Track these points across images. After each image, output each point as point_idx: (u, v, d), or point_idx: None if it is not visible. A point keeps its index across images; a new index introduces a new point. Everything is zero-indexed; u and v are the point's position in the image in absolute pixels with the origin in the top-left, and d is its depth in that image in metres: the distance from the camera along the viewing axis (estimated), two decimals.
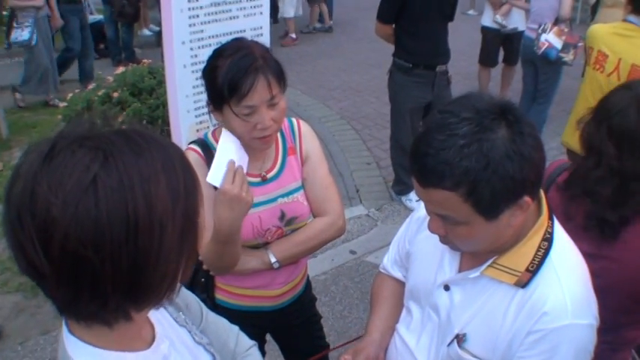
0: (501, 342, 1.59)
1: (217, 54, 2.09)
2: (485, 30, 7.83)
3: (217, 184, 2.01)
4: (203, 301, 2.33)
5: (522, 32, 7.60)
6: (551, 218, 1.64)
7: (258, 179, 2.26)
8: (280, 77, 2.09)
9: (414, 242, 1.90)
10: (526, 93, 6.76)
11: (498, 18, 7.60)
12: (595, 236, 1.98)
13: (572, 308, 1.53)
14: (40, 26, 7.71)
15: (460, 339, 1.65)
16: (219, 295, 2.44)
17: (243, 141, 2.12)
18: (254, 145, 2.14)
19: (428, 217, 1.74)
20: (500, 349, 1.59)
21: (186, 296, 1.55)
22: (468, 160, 1.37)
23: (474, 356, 1.64)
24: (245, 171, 2.07)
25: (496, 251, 1.59)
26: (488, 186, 1.38)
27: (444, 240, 1.60)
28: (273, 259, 2.28)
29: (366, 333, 1.98)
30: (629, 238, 1.96)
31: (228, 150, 2.09)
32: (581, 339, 1.55)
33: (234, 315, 2.41)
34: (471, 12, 13.34)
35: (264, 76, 2.01)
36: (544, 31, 6.21)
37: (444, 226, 1.52)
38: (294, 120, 2.41)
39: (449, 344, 1.68)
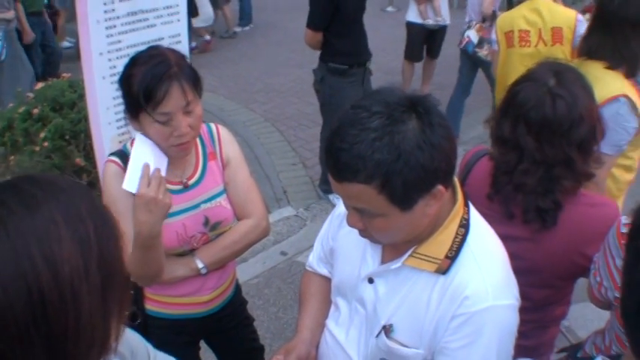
0: (427, 328, 1.62)
1: (132, 62, 2.08)
2: (410, 25, 7.91)
3: (134, 190, 2.00)
4: (133, 313, 2.34)
5: (446, 27, 7.78)
6: (466, 205, 1.68)
7: (179, 187, 2.25)
8: (196, 84, 2.10)
9: (336, 238, 1.92)
10: (459, 85, 6.93)
11: (431, 15, 7.72)
12: (523, 222, 2.04)
13: (492, 290, 1.57)
14: (11, 40, 7.35)
15: (387, 329, 1.68)
16: (150, 306, 2.42)
17: (161, 149, 2.12)
18: (172, 152, 2.13)
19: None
20: (427, 336, 1.63)
21: (130, 341, 1.46)
22: (380, 152, 1.39)
23: (402, 345, 1.67)
24: (164, 172, 2.07)
25: (415, 241, 1.62)
26: (401, 177, 1.40)
27: (363, 233, 1.61)
28: (200, 265, 2.28)
29: (296, 332, 1.99)
30: (557, 222, 2.02)
31: (143, 154, 2.08)
32: (504, 319, 1.60)
33: (166, 324, 2.42)
34: (389, 9, 13.48)
35: (178, 82, 2.02)
36: (470, 27, 6.42)
37: (361, 220, 1.53)
38: (212, 125, 2.41)
39: (377, 335, 1.70)
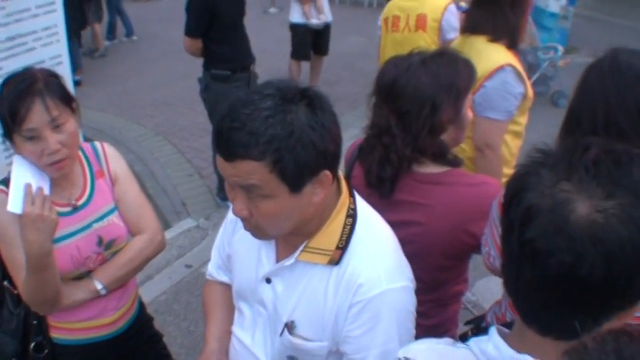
0: (328, 320, 1.65)
1: (3, 85, 2.05)
2: (295, 26, 7.96)
3: (18, 211, 1.95)
4: (39, 344, 2.29)
5: (330, 24, 7.89)
6: (352, 195, 1.71)
7: (68, 209, 2.21)
8: (64, 99, 2.08)
9: (231, 244, 1.92)
10: None
11: (316, 13, 7.79)
12: (400, 204, 2.10)
13: (384, 275, 1.61)
14: None
15: (290, 326, 1.70)
16: (55, 334, 2.36)
17: (40, 168, 2.08)
18: (48, 172, 2.09)
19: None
20: (329, 328, 1.66)
21: None
22: (274, 128, 1.40)
23: (306, 339, 1.69)
24: (47, 191, 2.03)
25: (306, 235, 1.64)
26: (293, 154, 1.42)
27: (248, 225, 1.60)
28: (99, 286, 2.24)
29: (204, 343, 1.98)
30: (434, 202, 2.07)
31: (24, 175, 2.04)
32: (399, 301, 1.64)
33: (74, 351, 2.38)
34: (272, 10, 13.54)
35: (41, 98, 1.99)
36: None
37: (247, 207, 1.52)
38: (97, 143, 2.38)
39: (281, 334, 1.72)
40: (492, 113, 3.00)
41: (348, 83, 9.03)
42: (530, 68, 9.08)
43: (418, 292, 1.74)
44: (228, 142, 1.43)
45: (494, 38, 3.10)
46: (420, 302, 1.77)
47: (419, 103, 2.00)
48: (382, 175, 2.08)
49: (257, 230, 1.61)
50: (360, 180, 2.14)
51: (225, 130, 1.44)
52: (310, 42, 8.13)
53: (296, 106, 1.45)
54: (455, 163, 2.12)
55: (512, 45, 3.12)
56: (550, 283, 1.01)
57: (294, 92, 1.48)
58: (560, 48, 9.09)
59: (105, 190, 2.31)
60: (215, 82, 5.28)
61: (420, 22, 4.42)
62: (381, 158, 2.07)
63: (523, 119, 3.25)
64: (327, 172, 1.51)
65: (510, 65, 3.02)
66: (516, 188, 1.07)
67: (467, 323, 2.28)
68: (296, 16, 7.95)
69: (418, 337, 1.66)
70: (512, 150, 3.29)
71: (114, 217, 2.30)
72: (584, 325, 1.04)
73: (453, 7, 4.52)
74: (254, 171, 1.43)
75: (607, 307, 1.02)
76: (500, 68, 3.01)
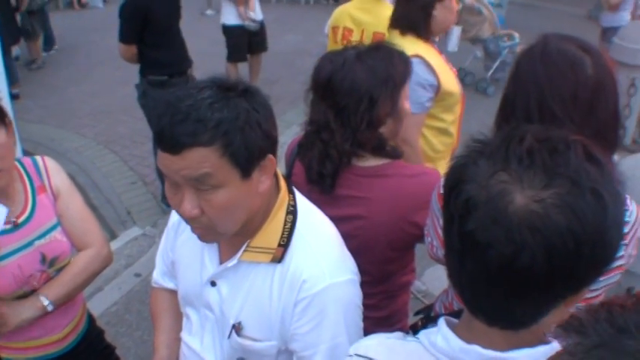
0: (275, 319, 1.65)
1: None
2: (230, 28, 7.90)
3: None
4: None
5: (263, 22, 7.87)
6: (291, 192, 1.72)
7: (8, 226, 2.15)
8: None
9: (175, 249, 1.91)
10: None
11: (251, 14, 7.76)
12: (342, 199, 2.10)
13: (328, 270, 1.62)
14: None
15: (237, 328, 1.70)
16: (5, 354, 2.32)
17: None
18: None
19: (182, 221, 1.76)
20: (276, 326, 1.66)
21: None
22: (220, 112, 1.41)
23: (255, 340, 1.69)
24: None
25: (247, 234, 1.64)
26: (242, 135, 1.42)
27: (198, 225, 1.56)
28: (46, 302, 2.20)
29: (154, 351, 1.97)
30: (375, 195, 2.09)
31: None
32: (345, 295, 1.65)
33: None
34: (209, 12, 13.43)
35: None
36: None
37: (198, 205, 1.48)
38: (37, 158, 2.33)
39: (229, 336, 1.72)
40: None
41: (288, 81, 9.02)
42: (492, 57, 9.24)
43: (366, 285, 1.75)
44: (173, 135, 1.40)
45: (402, 32, 3.20)
46: (368, 295, 1.78)
47: (356, 97, 2.01)
48: (322, 171, 2.08)
49: (208, 230, 1.57)
50: (301, 177, 2.15)
51: (167, 125, 1.41)
52: (247, 43, 8.10)
53: (234, 93, 1.46)
54: (394, 155, 2.14)
55: (420, 38, 3.18)
56: (492, 275, 1.01)
57: (229, 83, 1.50)
58: (517, 35, 9.25)
59: (47, 205, 2.26)
60: (152, 88, 5.21)
61: (376, 39, 4.02)
62: (321, 154, 2.07)
63: (448, 116, 3.27)
64: (272, 157, 1.53)
65: (417, 56, 3.04)
66: (454, 180, 1.07)
67: (417, 313, 2.31)
68: (231, 18, 7.88)
69: (369, 329, 1.69)
70: (435, 147, 3.33)
71: (57, 234, 2.26)
72: (529, 314, 1.05)
73: None
74: (205, 158, 1.41)
75: (551, 295, 1.03)
76: None
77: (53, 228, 2.26)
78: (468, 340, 1.12)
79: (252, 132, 1.44)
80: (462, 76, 8.88)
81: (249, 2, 7.72)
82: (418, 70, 2.99)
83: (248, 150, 1.45)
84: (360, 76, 2.02)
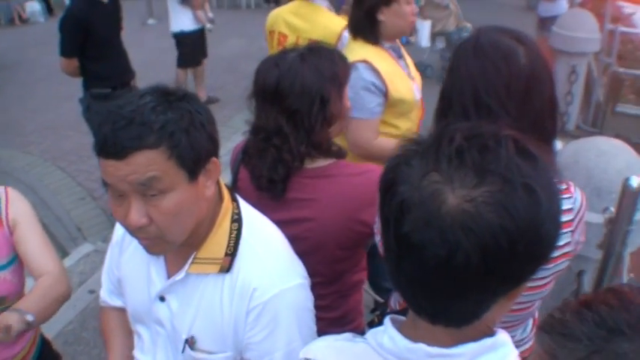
0: (227, 330, 1.64)
1: None
2: (186, 34, 7.82)
3: None
4: None
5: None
6: (235, 200, 1.71)
7: None
8: None
9: (120, 266, 1.88)
10: None
11: (210, 15, 7.74)
12: (290, 202, 2.09)
13: (277, 276, 1.62)
14: None
15: (191, 342, 1.68)
16: None
17: None
18: None
19: (126, 237, 1.73)
20: (230, 337, 1.65)
21: None
22: (164, 114, 1.40)
23: (209, 353, 1.68)
24: None
25: (193, 245, 1.62)
26: (188, 136, 1.43)
27: (146, 236, 1.51)
28: (27, 316, 2.02)
29: None
30: (321, 196, 2.08)
31: None
32: (296, 300, 1.64)
33: None
34: (150, 21, 13.30)
35: None
36: None
37: (146, 213, 1.45)
38: (0, 189, 2.25)
39: (182, 351, 1.70)
40: (354, 112, 2.85)
41: (233, 86, 8.98)
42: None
43: (318, 286, 1.75)
44: (116, 141, 1.37)
45: (353, 36, 3.20)
46: (321, 296, 1.79)
47: (308, 99, 2.00)
48: (273, 176, 2.06)
49: (155, 241, 1.53)
50: (247, 182, 2.14)
51: (110, 132, 1.38)
52: (204, 46, 8.07)
53: (175, 97, 1.46)
54: (339, 154, 2.15)
55: (369, 41, 3.14)
56: (429, 276, 1.01)
57: (169, 89, 1.49)
58: (469, 25, 9.40)
59: (1, 242, 2.18)
60: (96, 101, 5.14)
61: None
62: (274, 160, 2.05)
63: (403, 123, 3.22)
64: (216, 160, 1.53)
65: (364, 61, 3.01)
66: (388, 181, 1.07)
67: (372, 311, 2.32)
68: (188, 23, 7.82)
69: (324, 330, 1.68)
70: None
71: (7, 274, 2.17)
72: (470, 311, 1.06)
73: (347, 32, 4.02)
74: (152, 161, 1.39)
75: (489, 292, 1.03)
76: (352, 66, 2.94)
77: (4, 267, 2.17)
78: (414, 339, 1.12)
79: (197, 132, 1.44)
80: (422, 69, 8.97)
81: (205, 4, 7.69)
82: (365, 75, 2.99)
83: (194, 151, 1.44)
84: (309, 78, 2.01)
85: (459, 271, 0.97)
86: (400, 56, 3.24)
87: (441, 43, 9.73)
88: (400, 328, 1.17)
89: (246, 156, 2.16)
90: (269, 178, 2.07)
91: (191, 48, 8.01)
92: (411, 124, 3.24)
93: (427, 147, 1.04)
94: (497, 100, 1.70)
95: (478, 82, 1.72)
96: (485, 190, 0.96)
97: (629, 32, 10.00)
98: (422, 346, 1.11)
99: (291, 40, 4.02)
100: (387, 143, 3.05)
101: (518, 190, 0.96)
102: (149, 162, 1.39)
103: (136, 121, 1.38)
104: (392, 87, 3.05)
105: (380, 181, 1.11)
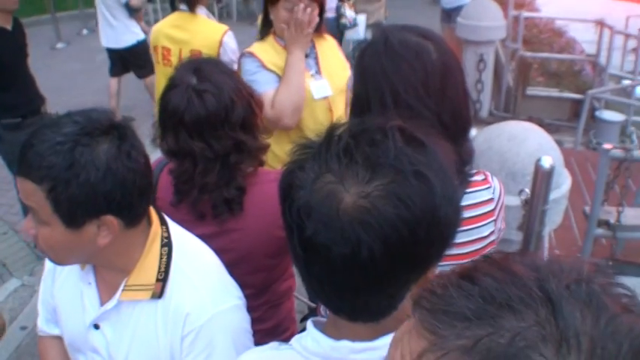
0: (164, 357, 1.62)
1: None
2: (141, 44, 7.66)
3: None
4: None
5: None
6: (164, 223, 1.69)
7: None
8: None
9: (54, 295, 1.85)
10: None
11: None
12: (214, 217, 2.07)
13: (210, 299, 1.60)
14: None
15: None
16: None
17: None
18: None
19: (57, 266, 1.71)
20: None
21: None
22: (57, 156, 1.38)
23: None
24: None
25: (123, 271, 1.61)
26: (67, 188, 1.39)
27: (39, 246, 1.54)
28: None
29: None
30: (246, 205, 2.08)
31: None
32: (231, 322, 1.63)
33: None
34: (59, 45, 12.94)
35: None
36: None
37: (34, 226, 1.49)
38: None
39: None
40: (259, 89, 2.89)
41: (146, 104, 8.83)
42: None
43: (249, 298, 1.74)
44: (21, 158, 1.42)
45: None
46: (252, 308, 1.78)
47: (221, 113, 1.99)
48: (226, 196, 2.04)
49: (47, 255, 1.58)
50: (168, 201, 2.10)
51: (25, 145, 1.42)
52: None
53: (94, 140, 1.42)
54: (260, 161, 2.15)
55: (263, 36, 3.23)
56: (338, 275, 1.03)
57: (101, 126, 1.45)
58: None
59: None
60: (7, 132, 4.96)
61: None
62: (221, 180, 2.03)
63: (302, 121, 3.22)
64: (111, 218, 1.47)
65: (248, 52, 3.13)
66: (285, 188, 1.09)
67: (303, 319, 2.33)
68: (139, 33, 7.69)
69: (259, 342, 1.65)
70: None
71: None
72: (384, 304, 1.08)
73: (228, 38, 4.16)
74: (33, 193, 1.41)
75: (400, 282, 1.05)
76: (242, 55, 3.16)
77: None
78: (337, 337, 1.14)
79: (78, 189, 1.40)
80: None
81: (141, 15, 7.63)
82: (251, 60, 3.10)
83: (70, 204, 1.41)
84: (226, 91, 2.01)
85: (366, 266, 0.99)
86: (307, 55, 3.21)
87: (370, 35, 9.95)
88: (323, 329, 1.18)
89: (179, 189, 2.09)
90: (225, 199, 2.04)
91: (148, 54, 7.92)
92: (316, 124, 3.19)
93: (318, 149, 1.06)
94: (417, 98, 1.72)
95: (395, 81, 1.73)
96: (378, 184, 0.99)
97: (533, 17, 10.34)
98: (345, 343, 1.12)
99: (174, 52, 4.06)
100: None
101: (410, 179, 0.99)
102: (31, 192, 1.42)
103: (35, 149, 1.40)
104: (280, 75, 3.08)
105: (278, 189, 1.13)
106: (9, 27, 4.94)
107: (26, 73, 5.13)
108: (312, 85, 3.15)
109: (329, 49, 3.33)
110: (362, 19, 8.21)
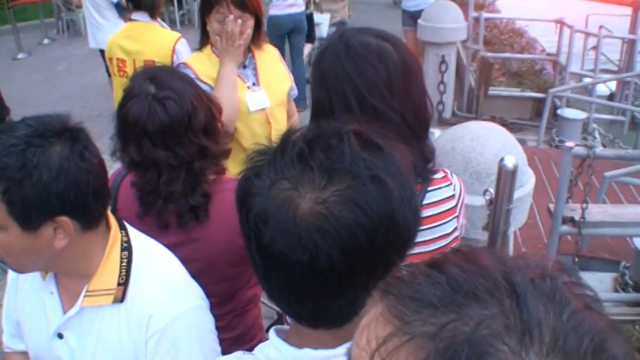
0: None
1: None
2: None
3: None
4: None
5: None
6: (123, 228, 1.68)
7: None
8: None
9: (17, 308, 1.82)
10: None
11: None
12: (179, 226, 2.05)
13: (172, 300, 1.60)
14: None
15: None
16: None
17: None
18: None
19: (20, 277, 1.69)
20: None
21: None
22: (10, 157, 1.38)
23: None
24: None
25: (83, 277, 1.59)
26: (21, 188, 1.38)
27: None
28: None
29: None
30: (211, 214, 2.06)
31: None
32: (195, 322, 1.63)
33: None
34: (21, 55, 12.73)
35: None
36: None
37: None
38: None
39: None
40: None
41: (110, 114, 8.71)
42: None
43: (214, 307, 1.73)
44: None
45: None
46: (218, 316, 1.76)
47: (184, 120, 1.97)
48: (192, 203, 2.02)
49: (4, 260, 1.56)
50: (130, 211, 2.06)
51: None
52: None
53: (47, 141, 1.42)
54: (221, 170, 2.13)
55: (200, 47, 3.21)
56: (297, 283, 1.02)
57: (54, 129, 1.44)
58: None
59: None
60: None
61: None
62: (187, 187, 2.01)
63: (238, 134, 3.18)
64: (66, 219, 1.46)
65: (183, 64, 3.13)
66: (242, 196, 1.07)
67: (269, 328, 2.31)
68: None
69: (226, 351, 1.65)
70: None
71: None
72: (345, 310, 1.06)
73: (181, 46, 4.18)
74: None
75: (360, 288, 1.03)
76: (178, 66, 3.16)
77: None
78: (299, 346, 1.12)
79: (31, 189, 1.40)
80: None
81: None
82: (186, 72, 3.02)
83: (24, 205, 1.41)
84: (186, 97, 1.99)
85: (324, 273, 0.98)
86: (245, 66, 3.19)
87: None
88: (285, 337, 1.17)
89: (143, 194, 2.06)
90: (189, 207, 2.02)
91: None
92: (253, 137, 3.14)
93: (273, 155, 1.05)
94: (381, 99, 1.72)
95: (359, 84, 1.73)
96: (334, 190, 0.97)
97: (493, 17, 10.45)
98: (308, 351, 1.11)
99: (128, 63, 4.05)
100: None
101: (367, 184, 0.98)
102: None
103: None
104: (213, 86, 3.03)
105: (235, 197, 1.11)
106: None
107: None
108: (248, 97, 3.10)
109: (269, 60, 3.28)
110: (325, 18, 8.24)
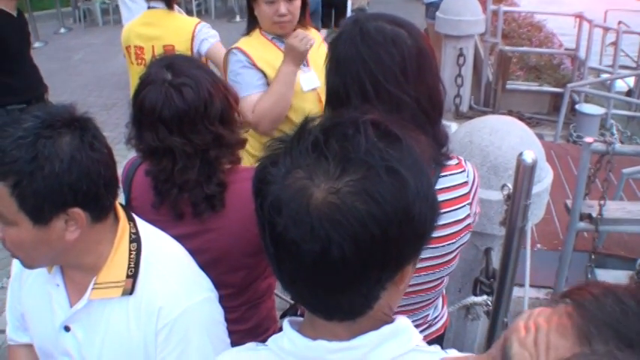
0: (137, 354, 1.60)
1: None
2: None
3: None
4: None
5: None
6: (131, 219, 1.66)
7: None
8: None
9: (21, 301, 1.81)
10: None
11: None
12: (194, 216, 2.02)
13: (182, 292, 1.59)
14: None
15: None
16: None
17: None
18: None
19: (25, 270, 1.66)
20: None
21: None
22: (19, 150, 1.36)
23: None
24: None
25: (91, 270, 1.58)
26: (32, 181, 1.36)
27: (6, 248, 1.51)
28: None
29: None
30: (227, 203, 2.04)
31: None
32: (205, 314, 1.62)
33: None
34: (37, 44, 12.75)
35: None
36: None
37: (1, 229, 1.46)
38: None
39: None
40: (242, 92, 2.93)
41: (125, 104, 8.73)
42: None
43: (228, 298, 1.73)
44: None
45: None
46: (232, 308, 1.75)
47: (201, 107, 1.94)
48: (207, 192, 2.00)
49: (19, 258, 1.54)
50: (142, 201, 2.05)
51: None
52: None
53: (56, 132, 1.40)
54: (237, 159, 2.12)
55: (250, 32, 3.23)
56: (309, 272, 1.00)
57: (62, 120, 1.42)
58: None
59: None
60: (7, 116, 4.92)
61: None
62: (202, 175, 1.99)
63: (294, 116, 3.18)
64: (78, 211, 1.45)
65: (236, 48, 3.11)
66: (258, 184, 1.06)
67: (282, 316, 2.29)
68: None
69: (238, 343, 1.64)
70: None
71: None
72: (358, 303, 1.06)
73: (201, 29, 4.05)
74: None
75: (373, 281, 1.02)
76: (229, 52, 3.14)
77: None
78: (313, 337, 1.11)
79: (43, 181, 1.37)
80: None
81: None
82: (239, 57, 3.07)
83: (36, 198, 1.38)
84: (203, 84, 1.96)
85: (336, 264, 0.96)
86: None
87: None
88: (299, 329, 1.16)
89: (159, 189, 2.03)
90: (204, 196, 1.99)
91: None
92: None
93: (290, 144, 1.04)
94: (396, 85, 1.71)
95: (375, 69, 1.72)
96: (348, 180, 0.96)
97: (512, 11, 10.38)
98: (321, 343, 1.10)
99: (147, 50, 4.01)
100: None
101: (382, 175, 0.96)
102: None
103: None
104: (268, 72, 3.06)
105: (252, 185, 1.10)
106: (14, 13, 4.91)
107: (31, 60, 5.10)
108: (301, 78, 3.14)
109: (315, 41, 3.30)
110: (350, 5, 8.34)
